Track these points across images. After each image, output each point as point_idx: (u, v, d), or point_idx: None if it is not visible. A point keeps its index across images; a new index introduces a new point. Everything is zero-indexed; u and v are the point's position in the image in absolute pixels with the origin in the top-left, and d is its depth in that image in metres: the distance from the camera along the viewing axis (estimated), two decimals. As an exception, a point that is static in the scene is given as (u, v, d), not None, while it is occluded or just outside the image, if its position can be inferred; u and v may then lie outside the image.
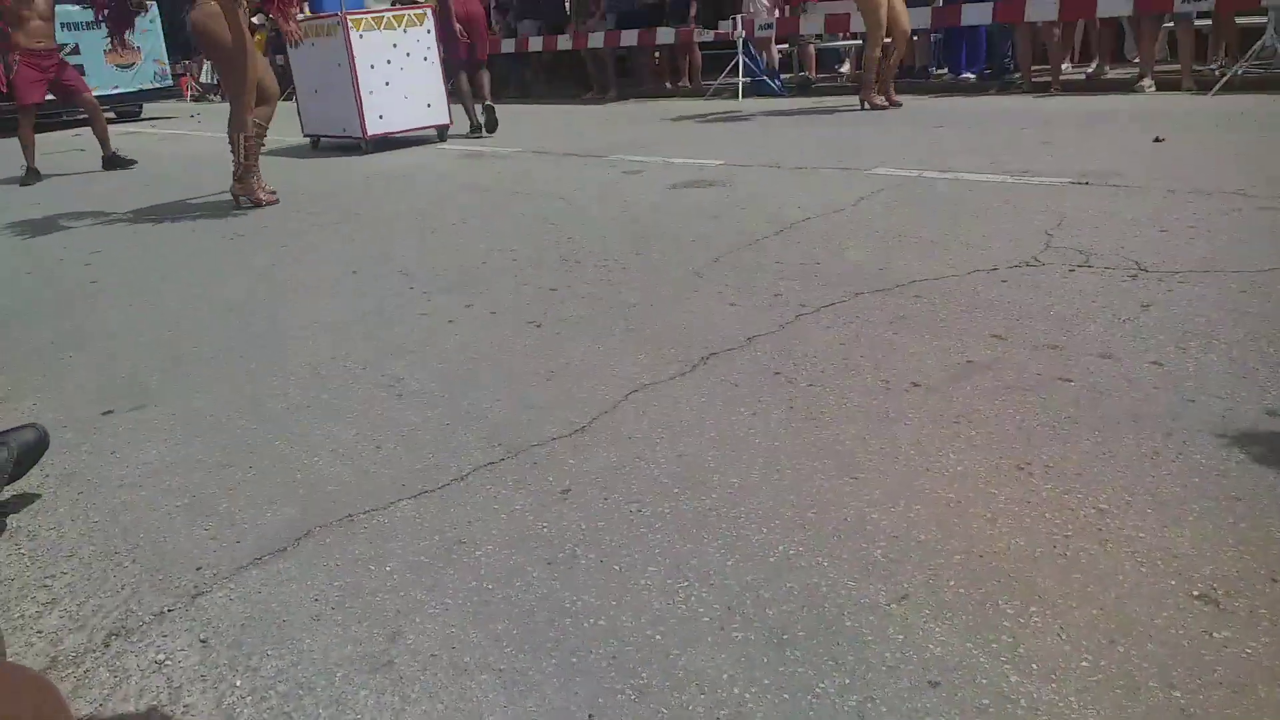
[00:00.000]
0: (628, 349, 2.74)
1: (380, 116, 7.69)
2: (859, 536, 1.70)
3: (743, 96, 10.23)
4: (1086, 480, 1.81)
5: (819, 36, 11.29)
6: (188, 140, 11.66)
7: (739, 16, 10.38)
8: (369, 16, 7.59)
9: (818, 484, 1.90)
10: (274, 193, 5.66)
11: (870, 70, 7.75)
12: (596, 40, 11.84)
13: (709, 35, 10.98)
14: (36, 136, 7.89)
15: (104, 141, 8.18)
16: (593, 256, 3.86)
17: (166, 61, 15.17)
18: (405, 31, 7.89)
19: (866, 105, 7.85)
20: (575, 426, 2.26)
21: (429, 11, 8.07)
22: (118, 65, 13.25)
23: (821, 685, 1.34)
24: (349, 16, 7.35)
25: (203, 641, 1.57)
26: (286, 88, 7.72)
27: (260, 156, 5.74)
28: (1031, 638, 1.40)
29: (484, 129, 8.33)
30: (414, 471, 2.10)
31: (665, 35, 11.22)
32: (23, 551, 1.93)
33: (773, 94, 10.37)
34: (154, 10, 14.32)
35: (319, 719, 1.36)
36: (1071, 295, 2.85)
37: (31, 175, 7.75)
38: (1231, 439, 1.91)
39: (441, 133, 8.44)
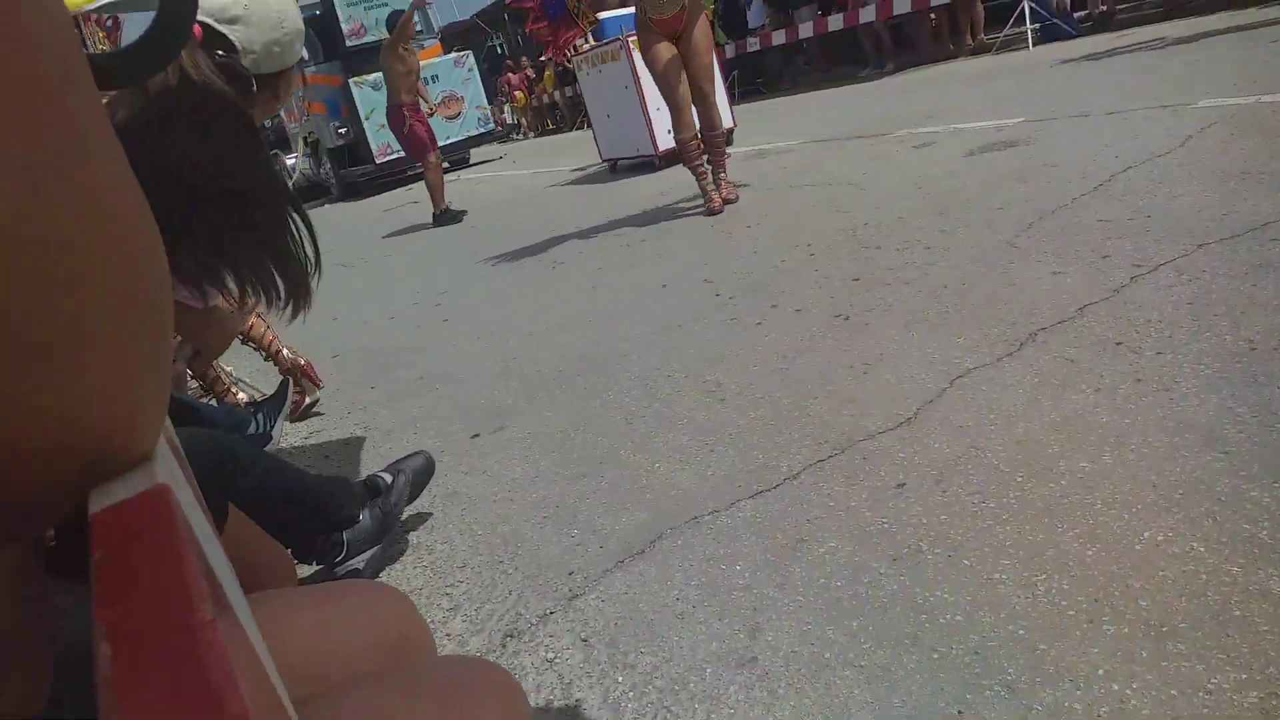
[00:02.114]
0: (944, 333, 2.68)
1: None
2: (1237, 517, 1.56)
3: (1034, 45, 9.51)
4: None
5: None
6: (500, 180, 12.77)
7: (1020, -42, 9.67)
8: (649, 34, 7.90)
9: (1180, 461, 1.76)
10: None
11: None
12: (868, 14, 11.52)
13: (988, -16, 10.32)
14: (384, 194, 8.80)
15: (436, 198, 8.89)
16: (892, 240, 3.79)
17: (487, 106, 16.26)
18: None
19: None
20: (901, 419, 2.25)
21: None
22: (446, 117, 14.54)
23: (1213, 680, 1.25)
24: (629, 39, 7.72)
25: (584, 640, 1.75)
26: (579, 116, 8.18)
27: (566, 186, 6.13)
28: None
29: None
30: (748, 472, 2.19)
31: (939, -7, 10.69)
32: (424, 564, 2.25)
33: (1068, 36, 9.54)
34: (470, 58, 15.66)
35: (695, 713, 1.48)
36: None
37: (446, 216, 8.60)
38: None
39: (729, 137, 8.52)
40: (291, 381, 3.31)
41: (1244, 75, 4.97)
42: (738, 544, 1.92)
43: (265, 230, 1.32)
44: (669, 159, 7.84)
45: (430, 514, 2.48)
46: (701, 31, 5.23)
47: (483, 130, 15.88)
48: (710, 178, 5.48)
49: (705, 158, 5.47)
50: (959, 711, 1.32)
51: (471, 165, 15.95)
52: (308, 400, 3.54)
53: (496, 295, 4.98)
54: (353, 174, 14.90)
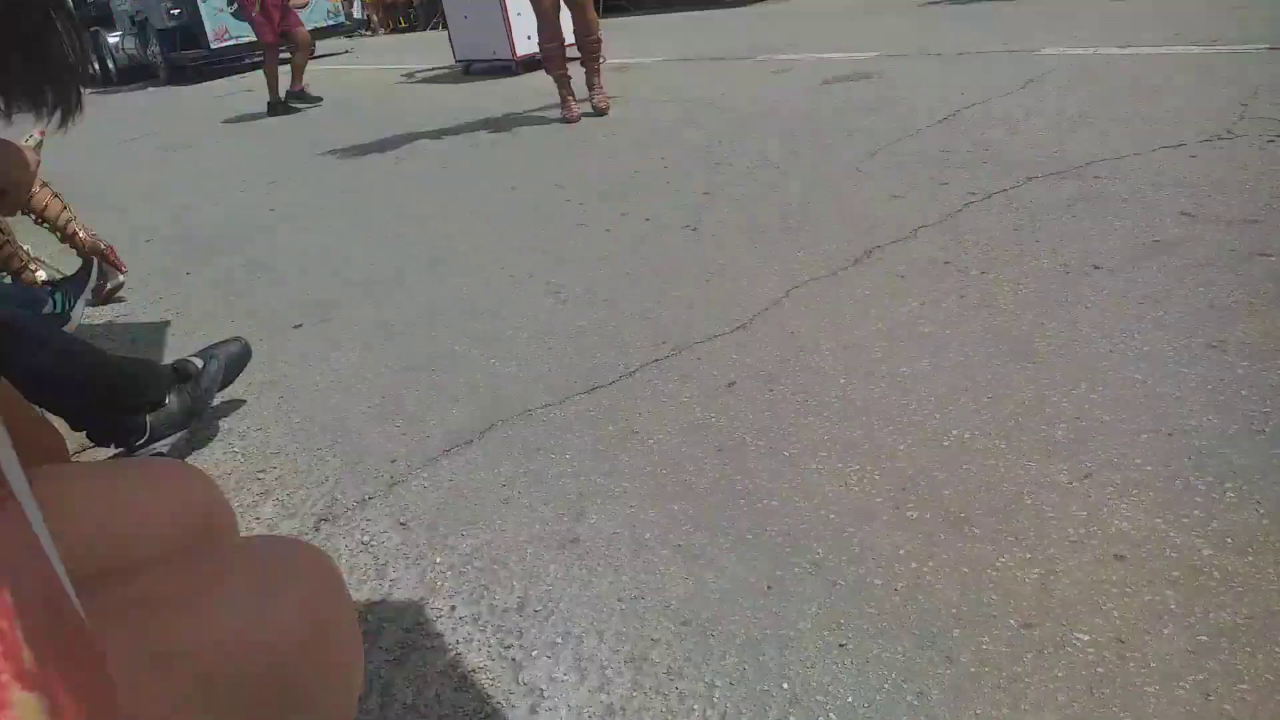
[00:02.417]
0: (787, 247, 2.72)
1: (529, 37, 7.61)
2: (1038, 419, 1.66)
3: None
4: (1291, 356, 1.70)
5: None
6: (346, 75, 12.09)
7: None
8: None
9: (993, 369, 1.85)
10: None
11: None
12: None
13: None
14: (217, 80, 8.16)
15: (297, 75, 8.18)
16: (745, 158, 3.81)
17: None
18: None
19: None
20: (737, 323, 2.28)
21: None
22: (294, 6, 13.66)
23: (1002, 560, 1.33)
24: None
25: (403, 524, 1.71)
26: (434, 17, 7.77)
27: (415, 84, 5.86)
28: (1226, 513, 1.34)
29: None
30: (583, 369, 2.17)
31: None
32: (236, 450, 2.13)
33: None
34: None
35: (514, 590, 1.47)
36: (1270, 167, 2.62)
37: (277, 106, 8.07)
38: None
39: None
40: (96, 264, 3.05)
41: (1084, 28, 5.22)
42: (568, 435, 1.90)
43: (33, 33, 1.16)
44: (528, 65, 7.60)
45: (244, 401, 2.35)
46: None
47: (331, 22, 14.93)
48: (570, 87, 5.34)
49: (568, 67, 5.33)
50: (768, 587, 1.36)
51: (316, 57, 15.07)
52: (109, 285, 3.26)
53: (332, 189, 4.73)
54: (183, 57, 13.77)
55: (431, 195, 4.23)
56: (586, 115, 5.29)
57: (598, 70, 5.34)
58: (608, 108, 5.31)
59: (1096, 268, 2.21)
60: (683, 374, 2.07)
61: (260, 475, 1.98)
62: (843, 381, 1.92)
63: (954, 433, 1.67)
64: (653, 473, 1.71)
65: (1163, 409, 1.61)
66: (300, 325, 2.80)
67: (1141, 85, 3.79)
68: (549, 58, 5.31)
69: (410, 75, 9.30)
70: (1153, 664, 1.11)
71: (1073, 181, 2.80)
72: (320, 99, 8.16)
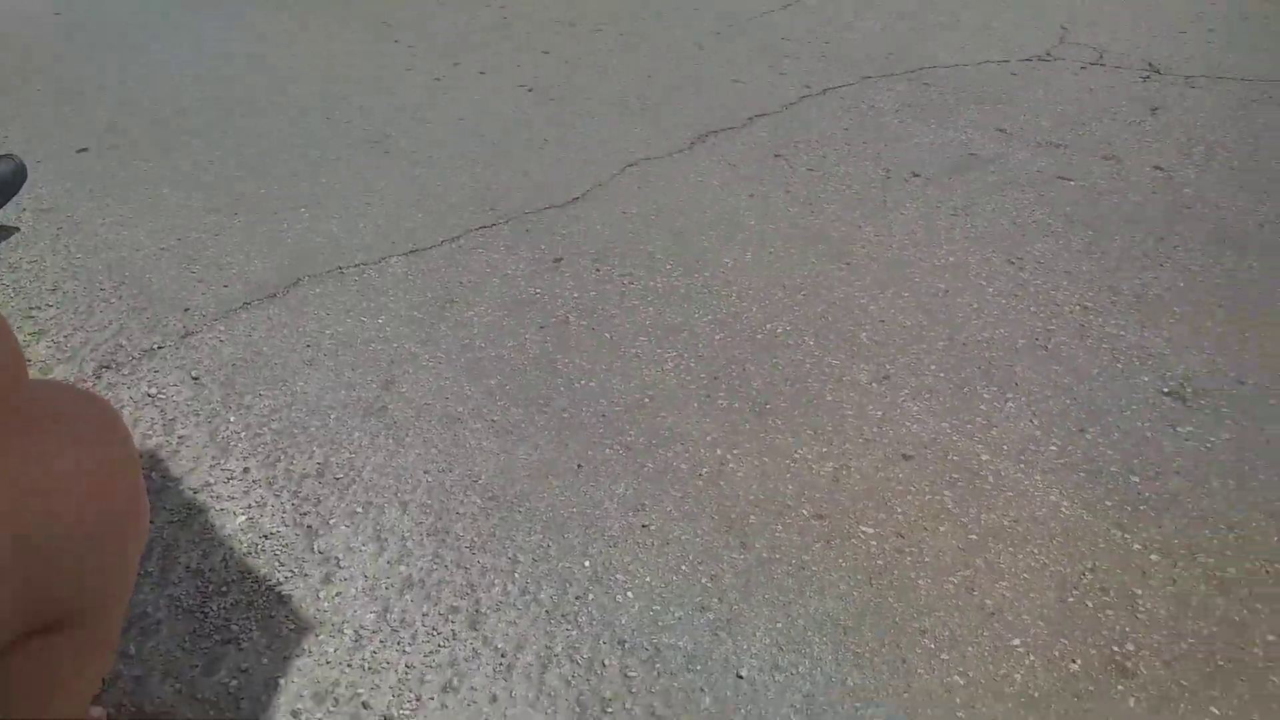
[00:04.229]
0: (624, 122, 2.66)
1: None
2: (846, 319, 1.73)
3: None
4: (1075, 278, 1.83)
5: None
6: None
7: None
8: None
9: (810, 267, 1.90)
10: None
11: None
12: None
13: None
14: None
15: None
16: (588, 20, 3.66)
17: None
18: None
19: None
20: (570, 197, 2.22)
21: None
22: None
23: (800, 451, 1.40)
24: None
25: (194, 378, 1.60)
26: None
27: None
28: (1005, 421, 1.45)
29: None
30: (404, 230, 2.07)
31: None
32: (4, 283, 1.91)
33: None
34: None
35: (313, 456, 1.41)
36: (1081, 93, 2.77)
37: None
38: (1222, 248, 1.92)
39: None
40: None
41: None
42: (382, 298, 1.82)
43: None
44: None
45: (17, 229, 2.10)
46: None
47: None
48: None
49: None
50: (579, 465, 1.37)
51: None
52: None
53: (153, 5, 4.21)
54: None
55: (253, 30, 3.84)
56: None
57: None
58: None
59: (915, 175, 2.29)
60: (509, 245, 2.01)
61: (34, 313, 1.79)
62: (669, 267, 1.92)
63: (767, 326, 1.71)
64: (470, 344, 1.67)
65: (960, 318, 1.71)
66: (86, 149, 2.50)
67: (976, -2, 3.89)
68: None
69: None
70: (926, 559, 1.21)
71: (904, 84, 2.87)
72: None
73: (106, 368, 1.62)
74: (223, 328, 1.73)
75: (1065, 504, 1.29)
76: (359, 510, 1.30)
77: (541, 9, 3.83)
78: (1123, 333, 1.66)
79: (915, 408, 1.48)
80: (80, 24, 3.75)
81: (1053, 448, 1.40)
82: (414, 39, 3.45)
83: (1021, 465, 1.36)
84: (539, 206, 2.17)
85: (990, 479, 1.33)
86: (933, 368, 1.58)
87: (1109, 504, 1.29)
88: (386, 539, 1.25)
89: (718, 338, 1.68)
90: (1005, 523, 1.26)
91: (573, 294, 1.83)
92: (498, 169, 2.37)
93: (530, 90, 2.91)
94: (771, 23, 3.55)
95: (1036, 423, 1.45)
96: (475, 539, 1.24)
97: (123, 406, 1.52)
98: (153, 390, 1.56)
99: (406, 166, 2.38)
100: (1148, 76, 2.88)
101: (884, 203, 2.16)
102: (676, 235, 2.04)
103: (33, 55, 3.34)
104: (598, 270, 1.91)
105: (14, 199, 2.08)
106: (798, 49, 3.23)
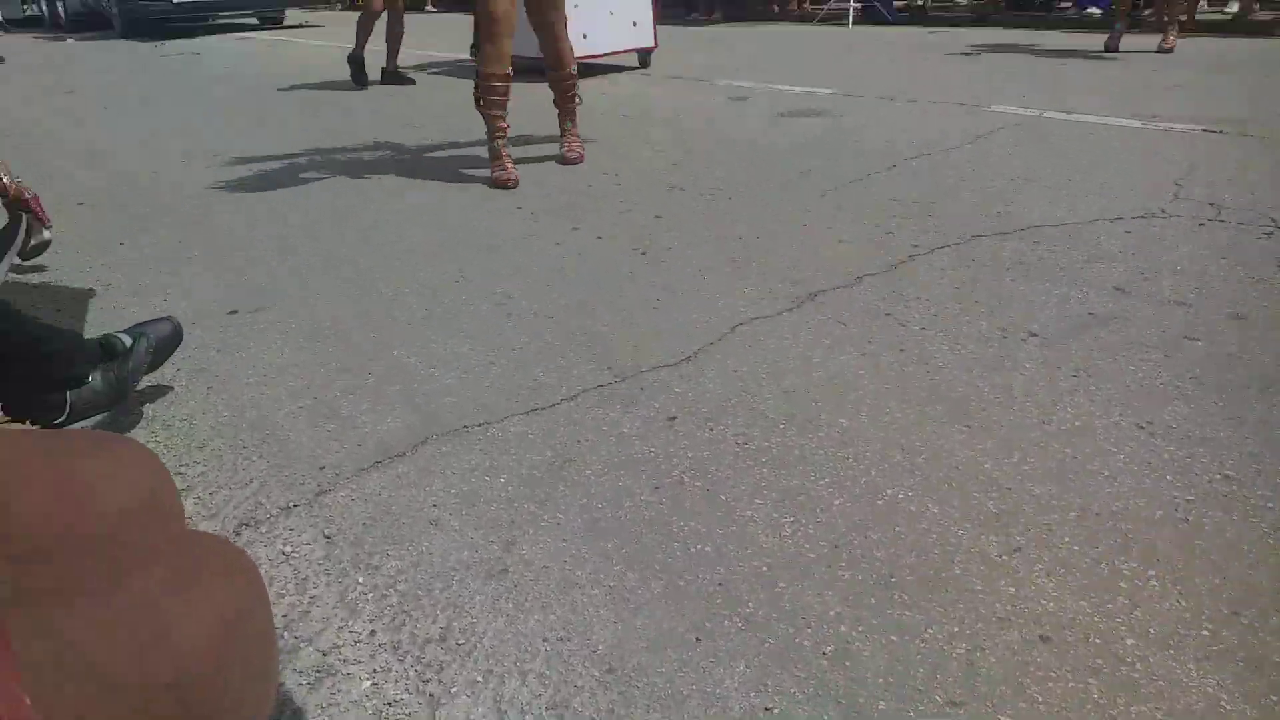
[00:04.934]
0: (734, 281, 2.73)
1: (584, 36, 6.36)
2: (971, 485, 1.69)
3: (853, 23, 9.87)
4: (1213, 445, 1.76)
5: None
6: (295, 46, 11.82)
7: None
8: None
9: (928, 430, 1.88)
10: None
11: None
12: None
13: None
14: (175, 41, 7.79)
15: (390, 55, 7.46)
16: (698, 184, 3.82)
17: None
18: None
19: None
20: (682, 356, 2.27)
21: None
22: None
23: (930, 631, 1.35)
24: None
25: (327, 537, 1.65)
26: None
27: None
28: (1149, 601, 1.38)
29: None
30: (525, 389, 2.14)
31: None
32: (158, 440, 2.05)
33: (885, 21, 9.98)
34: None
35: (436, 619, 1.43)
36: (1201, 250, 2.72)
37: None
38: (1374, 413, 1.82)
39: (645, 58, 7.44)
40: (25, 218, 2.90)
41: (1032, 89, 5.38)
42: (504, 458, 1.87)
43: None
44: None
45: (171, 388, 2.26)
46: None
47: None
48: (505, 135, 4.09)
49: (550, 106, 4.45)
50: (697, 639, 1.35)
51: (284, 27, 14.75)
52: (34, 242, 3.09)
53: (290, 168, 4.60)
54: (143, 8, 13.28)
55: (386, 191, 4.14)
56: (546, 158, 5.18)
57: (573, 114, 4.39)
58: (580, 156, 4.35)
59: (1033, 334, 2.26)
60: (624, 403, 2.06)
61: (182, 470, 1.90)
62: (782, 427, 1.92)
63: (888, 491, 1.69)
64: (587, 505, 1.69)
65: (1092, 487, 1.65)
66: (235, 312, 2.70)
67: (1084, 153, 3.91)
68: (488, 93, 3.99)
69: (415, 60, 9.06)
70: (1071, 751, 1.13)
71: (1014, 243, 2.88)
72: (414, 81, 7.40)
73: (246, 525, 1.70)
74: (354, 486, 1.80)
75: (1224, 697, 1.20)
76: (479, 679, 1.30)
77: (651, 176, 4.02)
78: (1271, 505, 1.57)
79: (1050, 584, 1.42)
80: (236, 193, 4.10)
81: (1205, 632, 1.31)
82: (536, 207, 3.65)
83: (1170, 651, 1.28)
84: (652, 365, 2.23)
85: (1139, 666, 1.25)
86: (1066, 540, 1.52)
87: (1275, 698, 1.20)
88: (506, 711, 1.24)
89: (836, 503, 1.66)
90: (1159, 716, 1.17)
91: (687, 454, 1.85)
92: (611, 328, 2.45)
93: (644, 253, 3.03)
94: (876, 184, 3.64)
95: (1184, 603, 1.36)
96: (594, 715, 1.23)
97: (260, 564, 1.58)
98: (287, 549, 1.62)
99: (526, 327, 2.49)
100: (1271, 232, 2.82)
101: (1002, 364, 2.13)
102: (788, 394, 2.05)
103: (190, 220, 3.67)
104: (711, 430, 1.93)
105: (169, 359, 2.23)
106: (904, 209, 3.29)
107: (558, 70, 4.20)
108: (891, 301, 2.52)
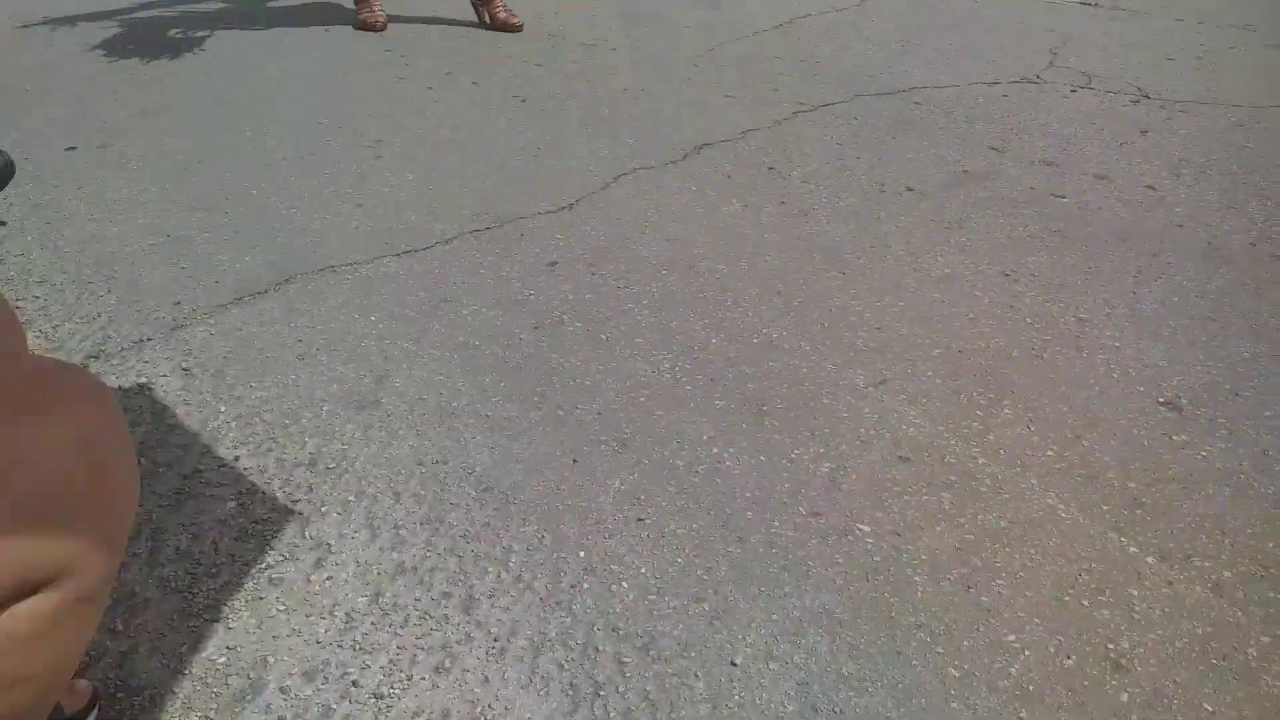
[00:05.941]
0: (616, 132, 2.67)
1: None
2: (842, 326, 1.73)
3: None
4: (1069, 291, 1.84)
5: None
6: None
7: None
8: None
9: (805, 276, 1.91)
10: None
11: None
12: None
13: None
14: None
15: None
16: (580, 35, 3.68)
17: None
18: None
19: None
20: (563, 204, 2.22)
21: None
22: None
23: (797, 452, 1.39)
24: None
25: (185, 370, 1.57)
26: None
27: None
28: (1001, 427, 1.45)
29: None
30: (397, 231, 2.06)
31: None
32: (-9, 275, 1.89)
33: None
34: None
35: (305, 446, 1.39)
36: (1071, 115, 2.81)
37: None
38: (1214, 264, 1.94)
39: None
40: None
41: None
42: (375, 297, 1.80)
43: None
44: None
45: (3, 223, 2.07)
46: None
47: None
48: None
49: None
50: (574, 460, 1.36)
51: None
52: None
53: (149, 14, 4.19)
54: None
55: (246, 31, 3.84)
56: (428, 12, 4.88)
57: None
58: (519, 24, 3.72)
59: (909, 189, 2.31)
60: (503, 248, 2.01)
61: (20, 304, 1.76)
62: (664, 273, 1.92)
63: (764, 331, 1.71)
64: (464, 343, 1.66)
65: (956, 328, 1.72)
66: (75, 148, 2.49)
67: (967, 21, 3.94)
68: None
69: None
70: (923, 557, 1.20)
71: (895, 103, 2.90)
72: None
73: (95, 358, 1.60)
74: (213, 321, 1.71)
75: (1062, 507, 1.29)
76: (351, 499, 1.28)
77: (529, 25, 3.84)
78: (1118, 345, 1.67)
79: (912, 412, 1.48)
80: (74, 27, 3.73)
81: (1049, 453, 1.40)
82: (407, 52, 3.45)
83: (1017, 469, 1.36)
84: (532, 212, 2.17)
85: (987, 481, 1.33)
86: (929, 374, 1.58)
87: (1106, 508, 1.29)
88: (379, 526, 1.23)
89: (713, 341, 1.68)
90: (1002, 524, 1.25)
91: (568, 296, 1.82)
92: (489, 174, 2.37)
93: (524, 100, 2.92)
94: (763, 42, 3.58)
95: (1032, 428, 1.45)
96: (469, 528, 1.23)
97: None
98: (142, 380, 1.54)
99: (398, 170, 2.38)
100: (1137, 100, 2.92)
101: (878, 216, 2.17)
102: (670, 242, 2.04)
103: (24, 56, 3.33)
104: (592, 274, 1.91)
105: (0, 192, 2.05)
106: (790, 68, 3.26)
107: None
108: (775, 156, 2.51)
